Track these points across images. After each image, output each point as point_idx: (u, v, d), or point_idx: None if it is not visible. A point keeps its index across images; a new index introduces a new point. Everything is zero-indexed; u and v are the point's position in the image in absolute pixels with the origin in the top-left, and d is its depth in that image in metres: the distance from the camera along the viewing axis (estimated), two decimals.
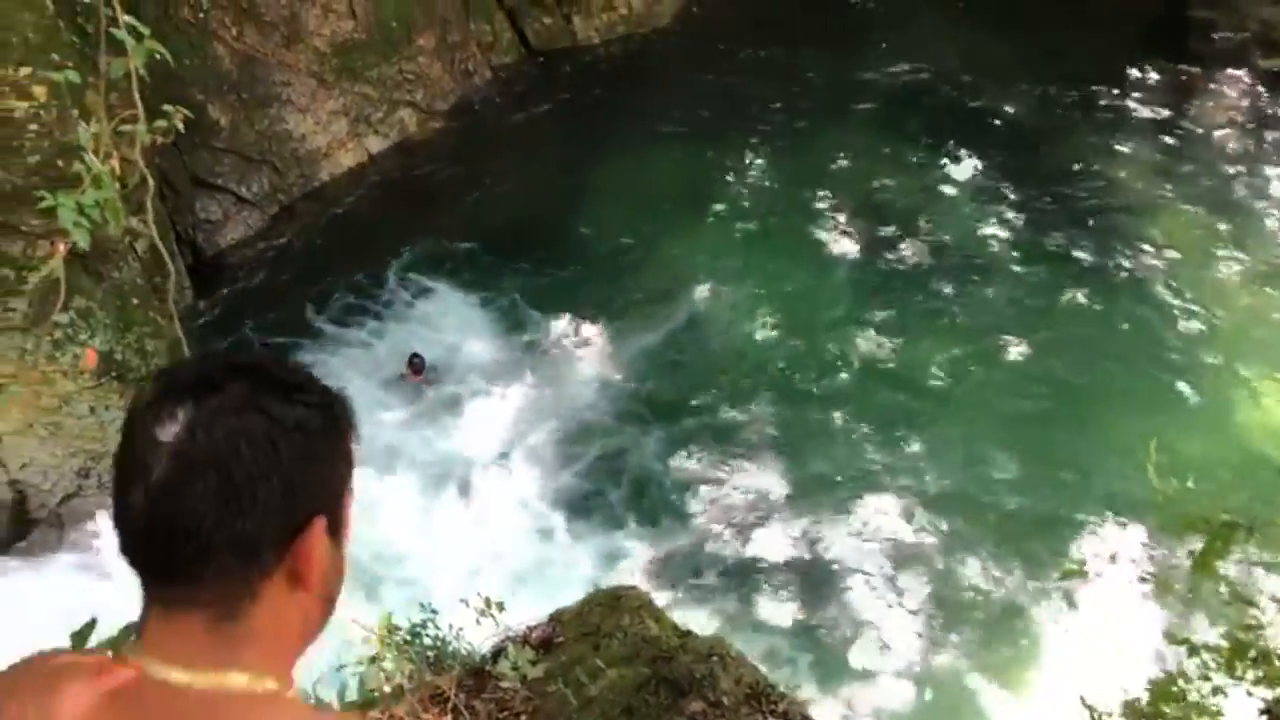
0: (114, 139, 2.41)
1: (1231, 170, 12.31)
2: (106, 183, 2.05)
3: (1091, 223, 11.57)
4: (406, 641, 4.61)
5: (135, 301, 8.81)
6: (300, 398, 1.07)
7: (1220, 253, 11.19)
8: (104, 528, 8.23)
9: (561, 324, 10.38)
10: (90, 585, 7.78)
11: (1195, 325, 10.31)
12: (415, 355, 9.91)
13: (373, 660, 4.51)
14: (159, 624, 1.04)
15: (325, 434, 1.08)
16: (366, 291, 10.65)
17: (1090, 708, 3.35)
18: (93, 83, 7.51)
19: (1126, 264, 11.04)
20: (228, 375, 1.06)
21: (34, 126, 7.88)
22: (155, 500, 1.01)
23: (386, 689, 4.46)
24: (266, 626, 1.06)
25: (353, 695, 4.50)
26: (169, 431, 1.02)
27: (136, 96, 2.12)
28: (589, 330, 10.31)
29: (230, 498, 1.00)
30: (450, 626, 4.78)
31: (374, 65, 12.43)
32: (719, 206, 11.86)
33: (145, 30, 2.30)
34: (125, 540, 1.04)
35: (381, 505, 8.65)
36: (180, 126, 2.32)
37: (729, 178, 12.27)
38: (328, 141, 11.91)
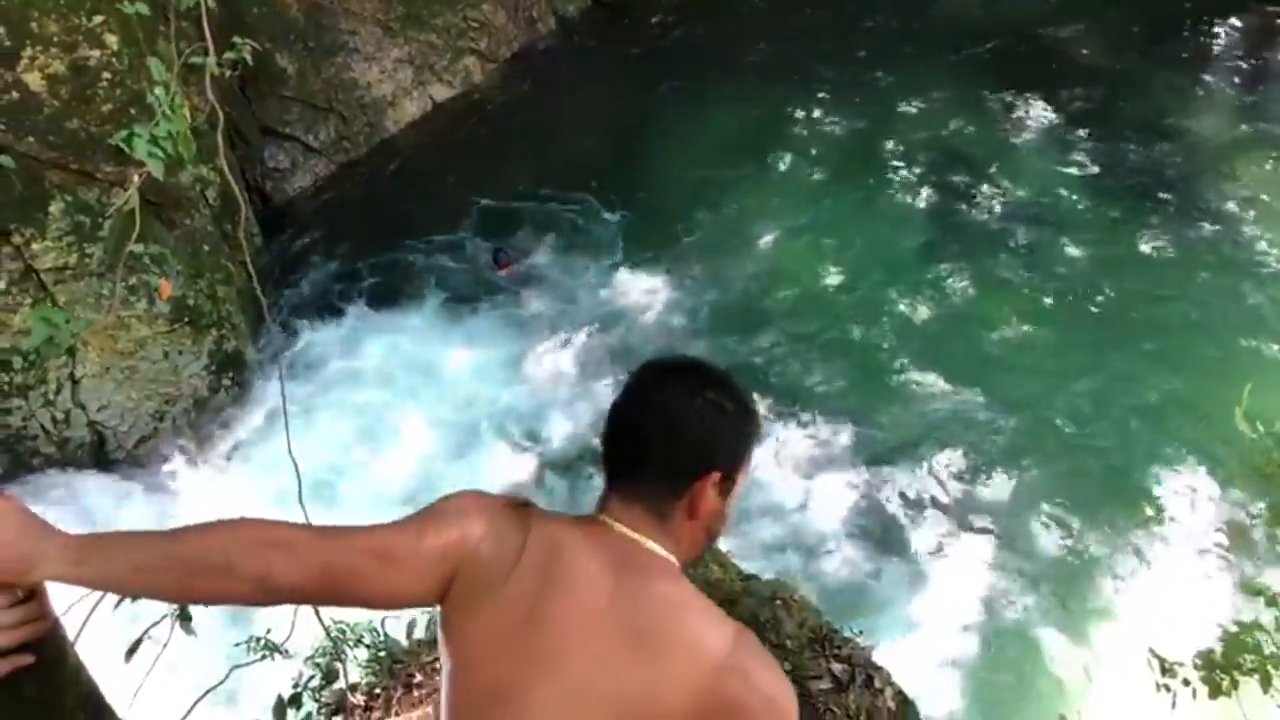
0: (183, 75, 2.42)
1: None
2: (179, 114, 2.07)
3: (1171, 171, 11.21)
4: None
5: (206, 249, 8.97)
6: (730, 393, 1.67)
7: None
8: (179, 470, 8.47)
9: (627, 271, 10.37)
10: (164, 524, 8.02)
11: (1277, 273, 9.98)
12: (499, 250, 10.34)
13: None
14: (617, 503, 1.63)
15: (736, 419, 1.66)
16: (432, 238, 10.72)
17: (1160, 658, 3.30)
18: (163, 30, 7.61)
19: (1209, 213, 10.69)
20: (694, 368, 1.71)
21: (107, 75, 8.02)
22: (634, 430, 1.64)
23: None
24: (674, 529, 1.62)
25: (421, 633, 4.60)
26: (653, 391, 1.66)
27: (206, 28, 2.13)
28: (654, 278, 10.28)
29: (676, 439, 1.61)
30: None
31: (438, 13, 12.43)
32: (786, 156, 11.71)
33: None
34: (609, 450, 1.67)
35: (451, 449, 8.80)
36: (249, 59, 2.32)
37: (797, 128, 12.09)
38: (393, 90, 11.96)
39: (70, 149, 7.81)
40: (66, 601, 2.27)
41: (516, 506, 1.67)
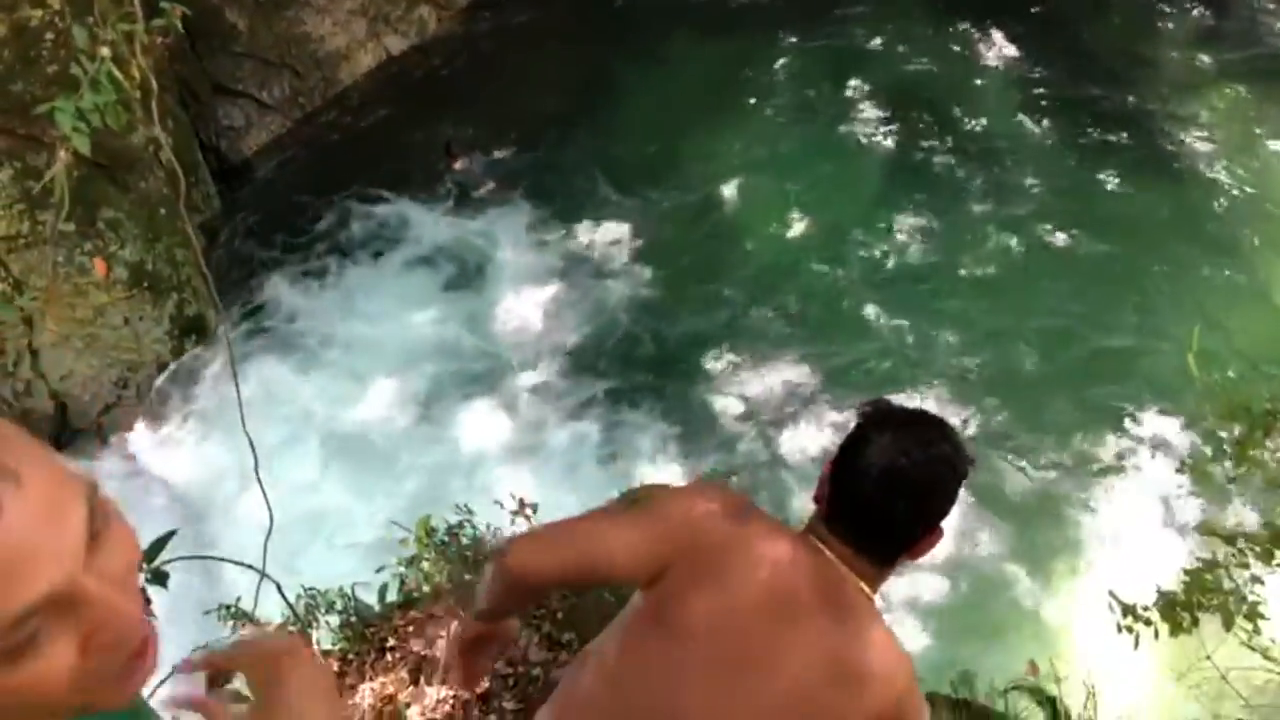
0: (127, 37, 2.33)
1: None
2: (106, 86, 1.99)
3: (1132, 104, 11.21)
4: (444, 543, 4.68)
5: (163, 211, 8.81)
6: (960, 452, 1.68)
7: (1266, 132, 10.83)
8: (144, 437, 8.38)
9: (589, 221, 10.28)
10: (131, 494, 7.96)
11: (1240, 209, 10.02)
12: (449, 142, 10.61)
13: (411, 562, 4.58)
14: (841, 543, 1.69)
15: (963, 475, 1.69)
16: (390, 192, 10.56)
17: (1121, 603, 3.33)
18: None
19: (1169, 146, 10.71)
20: (935, 427, 1.72)
21: (50, 35, 7.80)
22: (880, 494, 1.64)
23: (426, 589, 4.54)
24: (890, 572, 1.73)
25: (393, 596, 4.58)
26: (897, 447, 1.65)
27: None
28: (617, 227, 10.20)
29: (921, 507, 1.66)
30: (487, 526, 4.83)
31: None
32: (747, 101, 11.59)
33: None
34: (848, 506, 1.70)
35: (419, 405, 8.75)
36: (179, 25, 2.24)
37: (757, 71, 11.96)
38: (347, 42, 11.70)
39: (15, 113, 7.61)
40: None
41: (741, 504, 1.79)
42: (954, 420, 8.28)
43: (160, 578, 2.24)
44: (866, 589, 1.69)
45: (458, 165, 10.62)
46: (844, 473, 1.70)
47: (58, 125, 1.97)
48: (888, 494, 1.64)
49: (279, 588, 2.68)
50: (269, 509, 2.73)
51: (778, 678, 1.63)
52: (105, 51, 2.20)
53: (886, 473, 1.63)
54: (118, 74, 2.01)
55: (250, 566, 2.63)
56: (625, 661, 1.71)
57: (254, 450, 2.66)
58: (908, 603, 7.13)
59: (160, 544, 2.24)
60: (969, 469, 1.69)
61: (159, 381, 8.65)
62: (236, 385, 3.09)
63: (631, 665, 1.70)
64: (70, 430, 8.28)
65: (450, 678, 2.14)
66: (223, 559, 2.61)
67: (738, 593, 1.66)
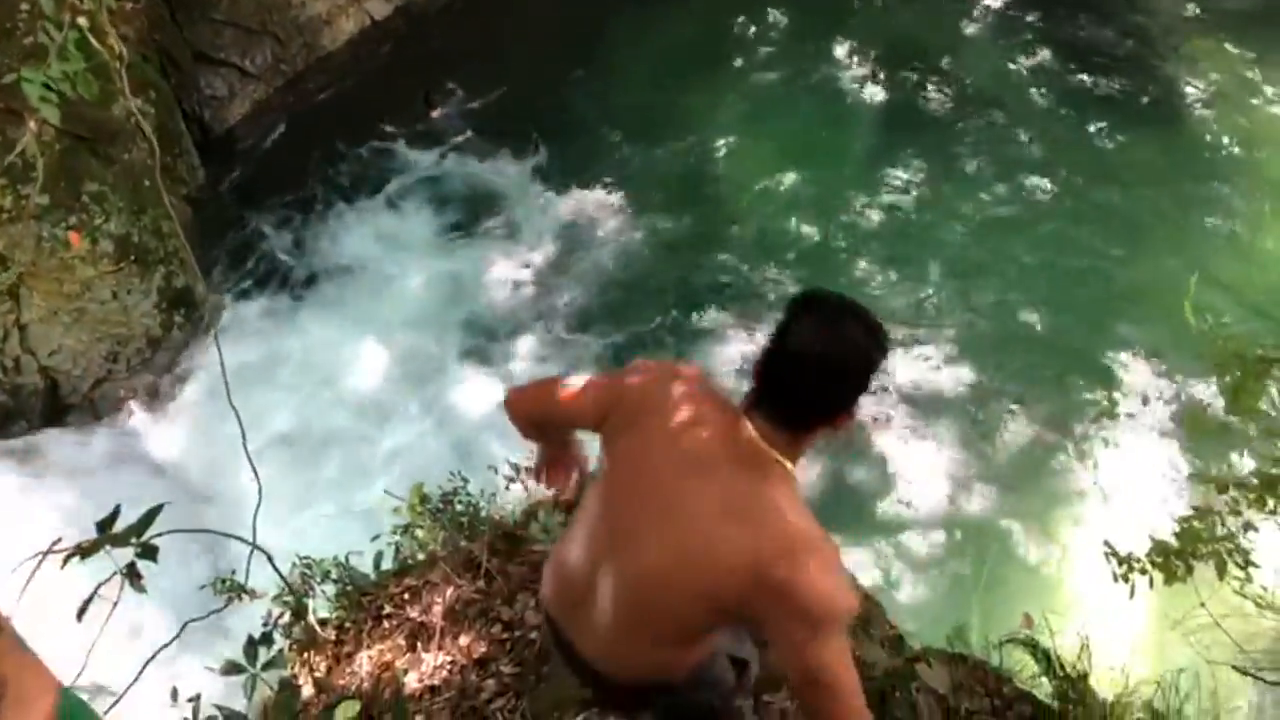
0: (98, 10, 2.28)
1: None
2: (74, 54, 1.95)
3: (1124, 54, 11.12)
4: (438, 510, 4.67)
5: (147, 183, 8.71)
6: (877, 334, 1.88)
7: (1259, 77, 10.76)
8: (137, 411, 8.35)
9: (580, 177, 10.21)
10: (125, 468, 7.95)
11: (1235, 157, 9.99)
12: (428, 92, 10.90)
13: (405, 530, 4.58)
14: (762, 415, 1.88)
15: (881, 356, 1.87)
16: (375, 158, 10.49)
17: (1116, 553, 3.34)
18: None
19: (1164, 94, 10.66)
20: (850, 310, 1.88)
21: (25, 6, 7.68)
22: (796, 366, 1.83)
23: (421, 557, 4.54)
24: (804, 442, 1.91)
25: (388, 564, 4.59)
26: (815, 332, 1.83)
27: None
28: (608, 190, 10.14)
29: (828, 387, 1.85)
30: (481, 493, 4.83)
31: None
32: (738, 56, 11.50)
33: None
34: (768, 372, 1.88)
35: (413, 370, 8.72)
36: None
37: (748, 26, 11.85)
38: (328, 8, 11.54)
39: None
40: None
41: (682, 371, 2.08)
42: (951, 372, 8.35)
43: (149, 552, 2.23)
44: (782, 459, 1.89)
45: (435, 114, 10.79)
46: (766, 354, 1.89)
47: (26, 95, 1.92)
48: (798, 373, 1.84)
49: (269, 559, 2.67)
50: (258, 480, 2.72)
51: (679, 512, 1.92)
52: (82, 21, 2.15)
53: (799, 355, 1.84)
54: (94, 42, 1.97)
55: (240, 538, 2.62)
56: (585, 500, 2.13)
57: (241, 422, 2.64)
58: (904, 556, 7.16)
59: (148, 518, 2.23)
60: (880, 359, 1.87)
61: (151, 355, 8.61)
62: (221, 358, 3.07)
63: (586, 502, 2.13)
64: (63, 405, 8.25)
65: (545, 481, 2.58)
66: (211, 531, 2.59)
67: (654, 439, 1.97)
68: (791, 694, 2.14)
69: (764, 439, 1.90)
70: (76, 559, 2.28)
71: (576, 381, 2.18)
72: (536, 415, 2.27)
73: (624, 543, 2.05)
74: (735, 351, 8.69)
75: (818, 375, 1.84)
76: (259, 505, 2.74)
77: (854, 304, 1.91)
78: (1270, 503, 3.18)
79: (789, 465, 1.92)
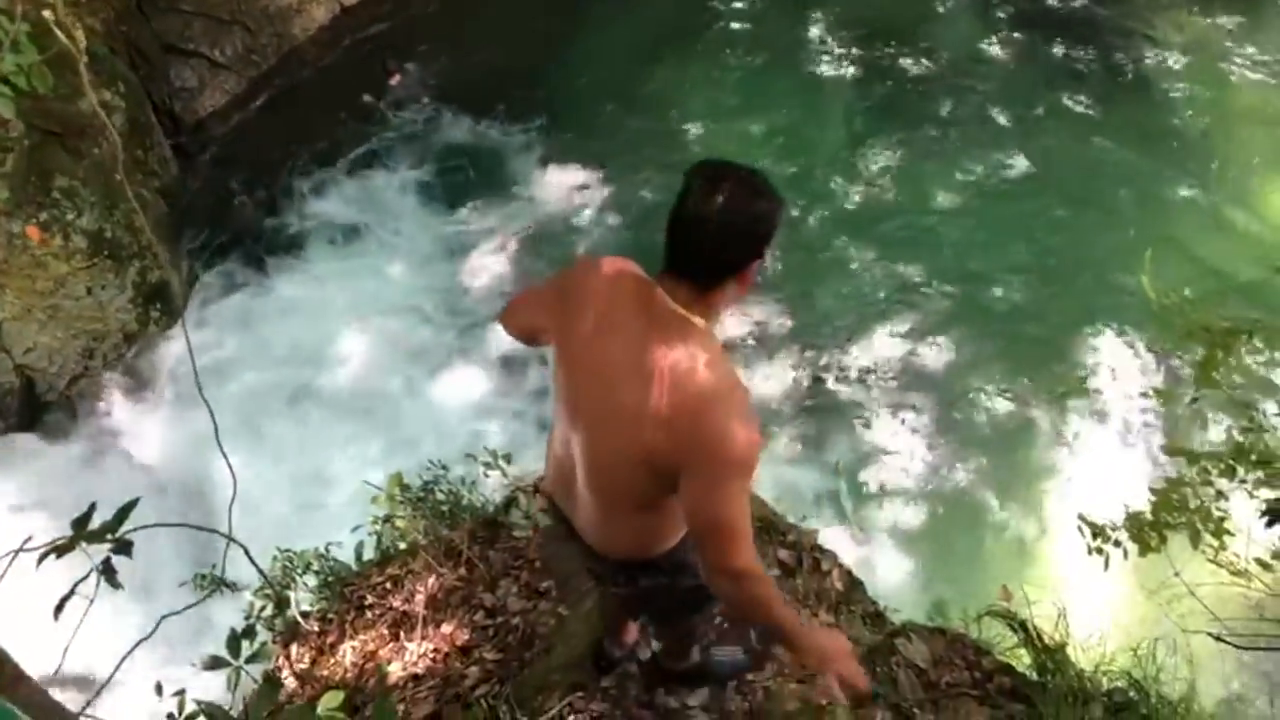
0: (53, 2, 2.26)
1: None
2: (27, 46, 1.93)
3: (1092, 29, 11.17)
4: (418, 499, 4.68)
5: (118, 177, 8.62)
6: (770, 193, 2.01)
7: (1227, 47, 10.83)
8: (115, 408, 8.31)
9: (556, 168, 10.18)
10: (104, 464, 7.92)
11: (1199, 126, 10.06)
12: (385, 60, 11.19)
13: (386, 519, 4.59)
14: (670, 281, 2.06)
15: (776, 213, 2.02)
16: (349, 147, 10.42)
17: (1090, 525, 3.37)
18: None
19: (1129, 66, 10.70)
20: (738, 172, 2.00)
21: None
22: (692, 229, 1.98)
23: (402, 546, 4.55)
24: (715, 301, 2.07)
25: (370, 554, 4.59)
26: (708, 195, 1.96)
27: None
28: (583, 174, 10.11)
29: (730, 239, 1.98)
30: (461, 481, 4.84)
31: None
32: (710, 40, 11.47)
33: None
34: (670, 239, 2.03)
35: (388, 361, 8.70)
36: None
37: (718, 10, 11.82)
38: None
39: None
40: None
41: (611, 260, 2.24)
42: (926, 349, 8.40)
43: (124, 547, 2.22)
44: (694, 317, 2.05)
45: (394, 80, 10.97)
46: (669, 223, 2.03)
47: None
48: (695, 235, 1.98)
49: (246, 552, 2.66)
50: (232, 472, 2.71)
51: (610, 383, 2.12)
52: (46, 14, 2.13)
53: (694, 219, 1.97)
54: (59, 34, 1.95)
55: (215, 531, 2.61)
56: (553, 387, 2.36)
57: (213, 417, 2.63)
58: (885, 533, 7.21)
59: (122, 514, 2.22)
60: (768, 209, 2.00)
61: (127, 350, 8.56)
62: (190, 350, 3.05)
63: (554, 389, 2.35)
64: (40, 403, 8.19)
65: None
66: (185, 525, 2.58)
67: (588, 319, 2.16)
68: (694, 542, 2.23)
69: (676, 301, 2.05)
70: (52, 556, 2.27)
71: (539, 286, 2.41)
72: (522, 325, 2.45)
73: (578, 420, 2.27)
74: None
75: (712, 235, 1.97)
76: (234, 497, 2.73)
77: (739, 167, 2.03)
78: (1240, 471, 3.21)
79: (702, 322, 2.07)
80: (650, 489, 2.18)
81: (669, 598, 2.59)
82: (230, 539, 2.53)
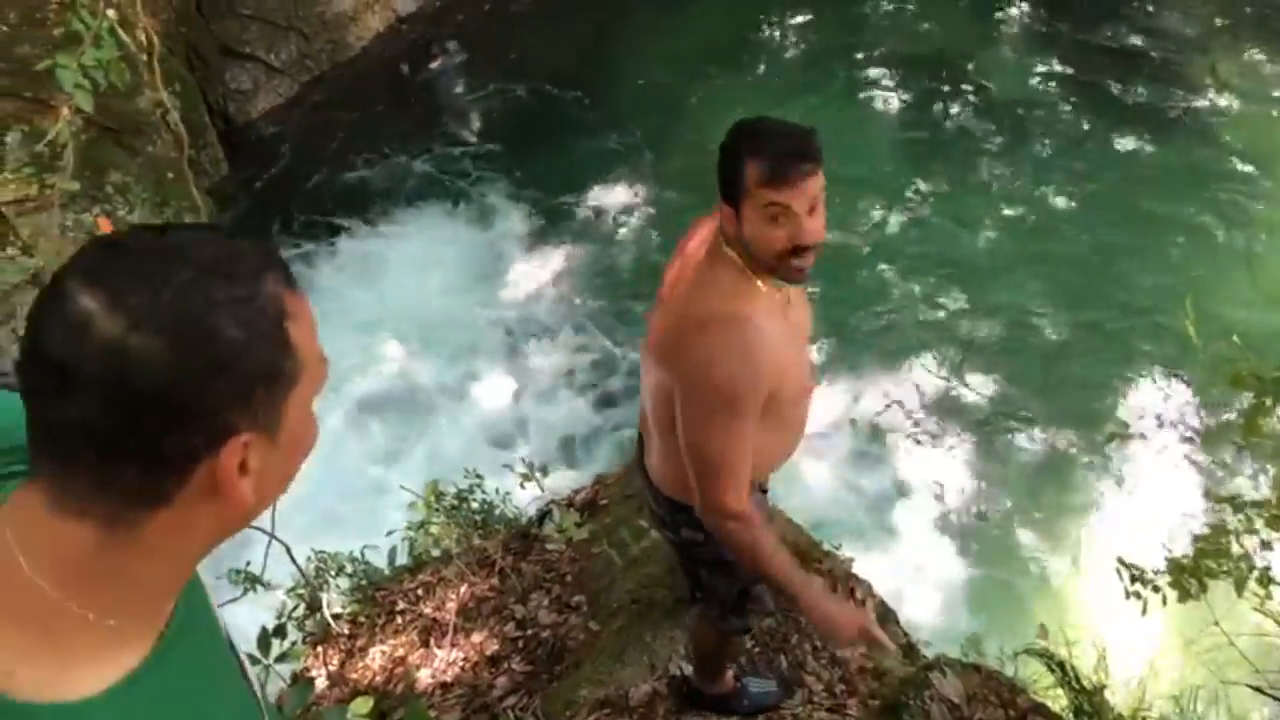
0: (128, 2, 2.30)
1: None
2: (108, 41, 1.96)
3: (1145, 66, 11.05)
4: (453, 507, 4.69)
5: (171, 175, 8.77)
6: (741, 128, 2.19)
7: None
8: None
9: (599, 180, 10.24)
10: None
11: (1249, 170, 9.91)
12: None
13: (421, 526, 4.60)
14: (709, 219, 2.27)
15: (734, 148, 2.19)
16: (399, 154, 10.53)
17: (1128, 566, 3.32)
18: None
19: (1181, 108, 10.58)
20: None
21: None
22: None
23: (435, 553, 4.56)
24: (741, 226, 2.09)
25: (402, 560, 4.61)
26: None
27: None
28: (626, 186, 10.17)
29: (722, 163, 2.16)
30: (496, 491, 4.85)
31: None
32: (758, 62, 11.49)
33: None
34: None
35: (430, 369, 8.76)
36: None
37: (767, 31, 11.85)
38: (354, 4, 11.59)
39: (23, 76, 7.56)
40: None
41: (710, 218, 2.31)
42: (967, 383, 8.32)
43: None
44: (729, 249, 2.08)
45: (435, 64, 11.11)
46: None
47: (60, 82, 1.94)
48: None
49: (288, 550, 2.68)
50: None
51: (660, 298, 2.25)
52: (111, 13, 2.17)
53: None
54: (121, 33, 1.98)
55: (259, 529, 2.63)
56: None
57: None
58: (919, 566, 7.13)
59: None
60: (739, 142, 2.11)
61: None
62: None
63: None
64: None
65: None
66: None
67: (675, 264, 2.28)
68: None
69: (724, 234, 2.10)
70: None
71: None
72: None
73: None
74: None
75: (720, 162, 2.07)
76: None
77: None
78: None
79: (733, 254, 2.07)
80: (671, 416, 2.19)
81: (710, 556, 2.48)
82: (272, 536, 2.55)
